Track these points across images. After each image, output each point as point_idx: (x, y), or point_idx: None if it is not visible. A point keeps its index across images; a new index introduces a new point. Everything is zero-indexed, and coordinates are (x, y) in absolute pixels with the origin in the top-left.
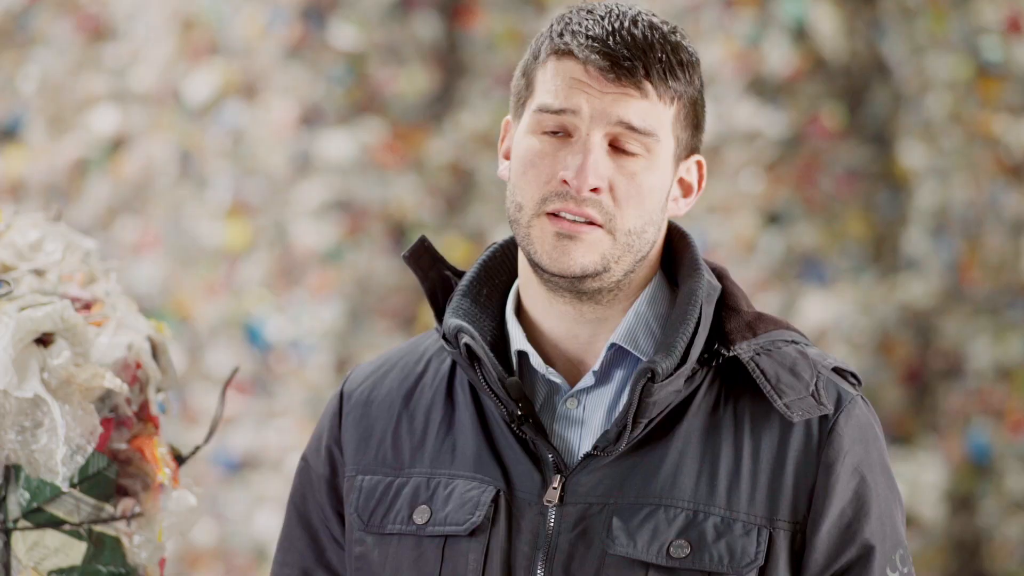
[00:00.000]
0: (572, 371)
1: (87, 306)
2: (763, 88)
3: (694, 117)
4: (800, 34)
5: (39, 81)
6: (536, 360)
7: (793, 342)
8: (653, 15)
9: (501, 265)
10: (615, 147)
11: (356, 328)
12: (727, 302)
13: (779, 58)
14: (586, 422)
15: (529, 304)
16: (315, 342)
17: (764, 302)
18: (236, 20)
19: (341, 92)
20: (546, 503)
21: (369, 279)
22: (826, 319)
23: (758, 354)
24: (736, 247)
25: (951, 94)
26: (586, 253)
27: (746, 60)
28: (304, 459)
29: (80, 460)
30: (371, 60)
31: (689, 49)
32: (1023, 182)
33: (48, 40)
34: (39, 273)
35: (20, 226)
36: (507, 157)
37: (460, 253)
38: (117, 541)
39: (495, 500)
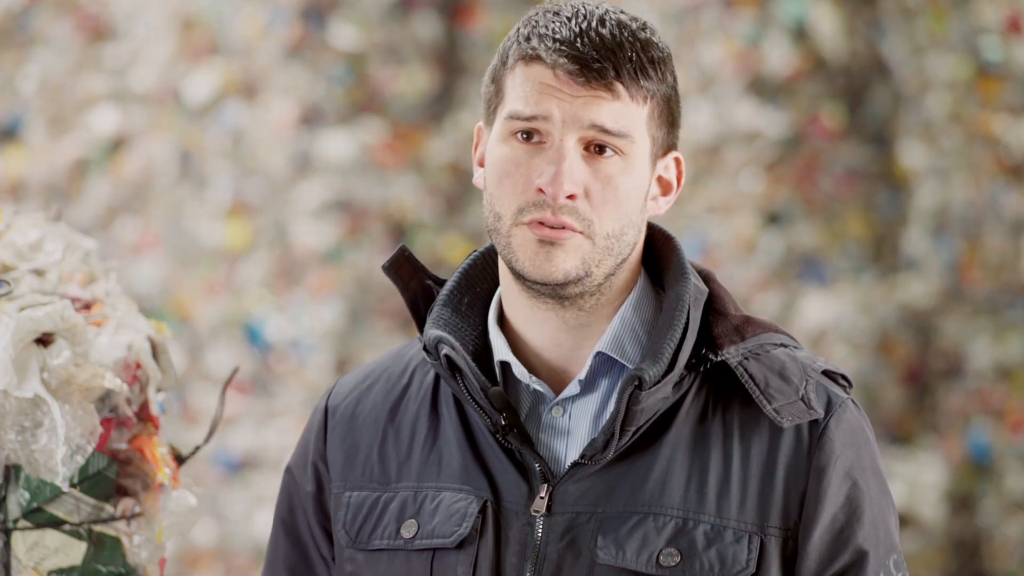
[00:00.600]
0: (556, 379)
1: (87, 306)
2: (763, 88)
3: (669, 114)
4: (800, 34)
5: (39, 81)
6: (519, 370)
7: (782, 345)
8: (621, 12)
9: (482, 273)
10: (589, 151)
11: (356, 328)
12: (714, 306)
13: (779, 58)
14: (572, 431)
15: (511, 312)
16: (315, 342)
17: (764, 302)
18: (236, 20)
19: (341, 92)
20: (533, 513)
21: (369, 279)
22: (826, 319)
23: (746, 358)
24: (736, 247)
25: (951, 94)
26: (567, 259)
27: (746, 60)
28: (289, 471)
29: (80, 460)
30: (371, 60)
31: (660, 45)
32: (1023, 182)
33: (48, 40)
34: (39, 273)
35: (20, 226)
36: (481, 164)
37: (460, 253)
38: (117, 541)
39: (482, 511)
